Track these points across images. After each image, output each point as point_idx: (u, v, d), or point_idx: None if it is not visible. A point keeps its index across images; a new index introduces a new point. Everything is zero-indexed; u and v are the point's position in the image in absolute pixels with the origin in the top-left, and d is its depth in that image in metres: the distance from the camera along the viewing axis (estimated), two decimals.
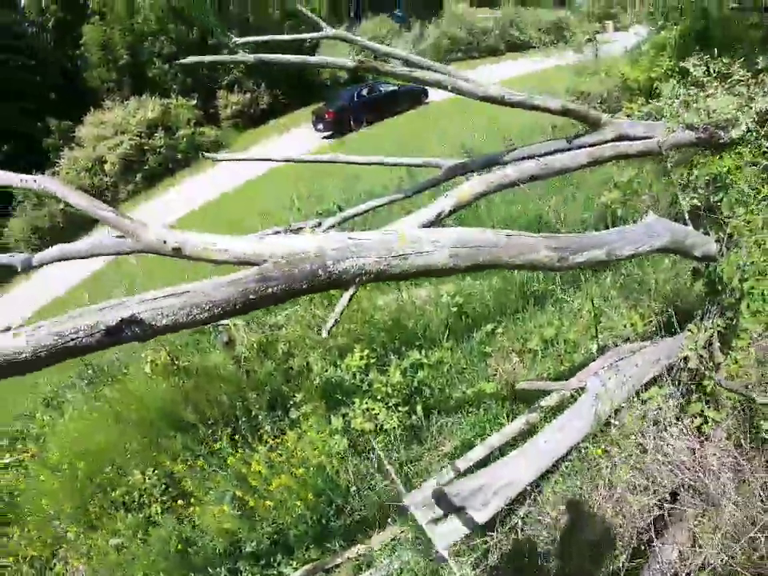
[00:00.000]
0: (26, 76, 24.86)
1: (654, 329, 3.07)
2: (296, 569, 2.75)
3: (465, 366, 3.68)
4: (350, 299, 1.83)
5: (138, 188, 20.59)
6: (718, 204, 3.07)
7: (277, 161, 4.86)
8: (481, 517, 2.42)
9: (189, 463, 3.43)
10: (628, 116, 4.91)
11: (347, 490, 2.96)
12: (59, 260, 3.08)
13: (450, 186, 3.67)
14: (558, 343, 3.65)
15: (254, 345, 4.28)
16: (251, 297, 1.63)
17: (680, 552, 2.24)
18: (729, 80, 3.85)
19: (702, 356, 2.55)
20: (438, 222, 2.87)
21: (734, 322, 2.56)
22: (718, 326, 2.59)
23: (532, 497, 2.60)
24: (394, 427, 3.10)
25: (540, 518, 2.57)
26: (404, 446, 3.17)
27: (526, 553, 2.49)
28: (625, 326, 3.49)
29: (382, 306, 4.30)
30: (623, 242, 2.40)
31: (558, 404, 2.91)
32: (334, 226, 4.80)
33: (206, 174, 17.56)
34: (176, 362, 4.44)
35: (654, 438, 2.51)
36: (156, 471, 3.64)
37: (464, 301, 4.15)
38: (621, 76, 6.56)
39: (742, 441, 2.36)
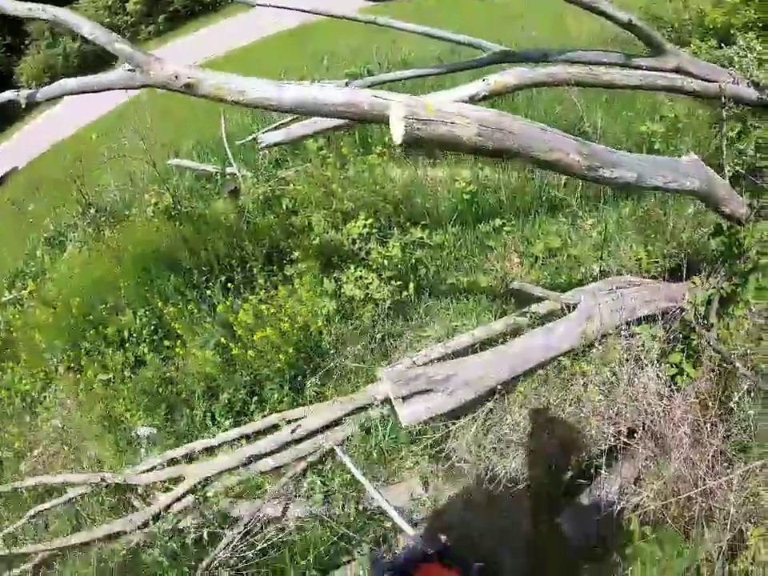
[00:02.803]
0: None
1: (659, 270, 3.00)
2: (265, 416, 2.87)
3: (465, 255, 3.60)
4: None
5: (160, 30, 19.37)
6: (763, 170, 2.92)
7: (313, 13, 4.42)
8: (446, 404, 2.45)
9: (179, 306, 3.47)
10: (695, 54, 4.58)
11: (327, 351, 3.01)
12: (63, 94, 2.88)
13: (492, 71, 3.39)
14: (561, 255, 3.57)
15: (259, 197, 4.18)
16: None
17: (621, 486, 2.34)
18: None
19: (697, 311, 2.51)
20: (469, 103, 2.69)
21: (738, 290, 2.50)
22: (722, 288, 2.53)
23: (501, 396, 2.62)
24: (384, 299, 3.09)
25: (505, 417, 2.62)
26: (390, 320, 3.19)
27: (484, 448, 2.56)
28: (630, 259, 3.43)
29: (394, 179, 4.13)
30: (656, 171, 2.27)
31: (547, 313, 2.87)
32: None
33: (236, 20, 16.26)
34: (178, 206, 4.37)
35: (630, 372, 2.52)
36: (147, 312, 3.70)
37: (478, 190, 3.98)
38: (699, 12, 5.97)
39: (710, 404, 2.35)
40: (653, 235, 3.62)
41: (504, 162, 4.13)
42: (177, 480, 2.84)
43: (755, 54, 4.03)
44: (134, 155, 4.84)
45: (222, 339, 3.11)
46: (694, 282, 2.67)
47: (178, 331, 3.40)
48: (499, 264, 3.63)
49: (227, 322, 3.14)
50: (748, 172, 3.35)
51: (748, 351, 2.42)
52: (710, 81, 3.58)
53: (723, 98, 3.53)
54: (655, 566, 2.06)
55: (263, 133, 3.98)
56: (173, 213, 4.29)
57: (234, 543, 2.47)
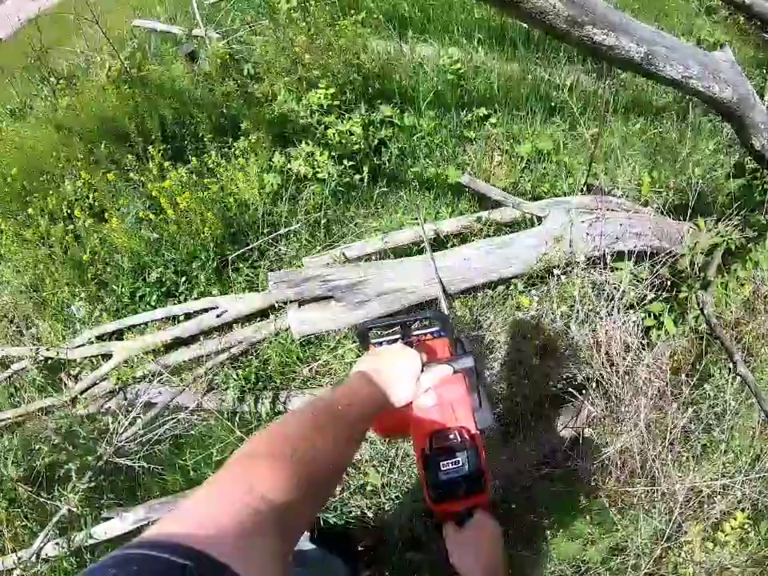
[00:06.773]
0: None
1: (661, 202, 2.54)
2: (197, 299, 2.60)
3: (438, 143, 3.16)
4: None
5: None
6: None
7: None
8: (349, 316, 2.09)
9: (114, 179, 3.14)
10: None
11: (262, 231, 2.68)
12: None
13: None
14: (549, 161, 3.13)
15: (219, 60, 3.67)
16: None
17: (555, 446, 2.01)
18: None
19: (695, 259, 2.06)
20: None
21: (748, 245, 2.05)
22: (730, 239, 2.06)
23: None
24: (333, 180, 2.71)
25: None
26: (339, 205, 2.83)
27: None
28: (630, 181, 3.01)
29: (373, 50, 3.61)
30: (673, 54, 1.72)
31: (510, 222, 2.45)
32: None
33: None
34: (130, 71, 3.89)
35: (595, 313, 2.13)
36: (86, 184, 3.37)
37: (465, 72, 3.46)
38: None
39: (682, 367, 1.99)
40: (661, 161, 3.17)
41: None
42: (106, 357, 2.66)
43: None
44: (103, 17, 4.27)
45: (142, 212, 2.78)
46: (697, 225, 2.22)
47: (110, 204, 3.10)
48: (477, 159, 3.21)
49: (150, 193, 2.79)
50: None
51: (740, 321, 2.04)
52: None
53: None
54: (580, 539, 1.82)
55: None
56: (124, 78, 3.80)
57: (140, 431, 2.29)
